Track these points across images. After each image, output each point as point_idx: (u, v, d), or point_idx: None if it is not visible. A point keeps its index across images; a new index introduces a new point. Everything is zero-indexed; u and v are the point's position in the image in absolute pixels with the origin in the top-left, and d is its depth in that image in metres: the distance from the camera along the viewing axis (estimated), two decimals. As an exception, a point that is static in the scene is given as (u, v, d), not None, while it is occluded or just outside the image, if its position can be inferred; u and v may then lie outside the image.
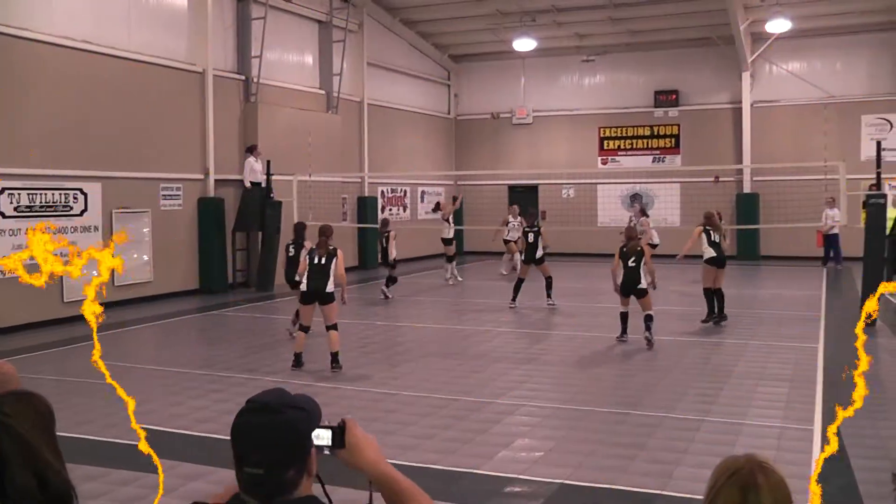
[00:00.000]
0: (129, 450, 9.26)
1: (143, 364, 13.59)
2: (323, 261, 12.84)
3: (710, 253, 16.51)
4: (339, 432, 2.46)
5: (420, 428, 9.62)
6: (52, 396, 9.16)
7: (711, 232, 16.59)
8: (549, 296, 19.41)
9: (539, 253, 19.40)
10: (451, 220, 24.53)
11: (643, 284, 14.60)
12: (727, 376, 12.20)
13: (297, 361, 12.99)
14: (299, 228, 16.22)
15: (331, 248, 12.96)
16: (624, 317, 15.00)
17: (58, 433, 2.51)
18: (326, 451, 2.44)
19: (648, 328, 14.33)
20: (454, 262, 24.79)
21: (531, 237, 19.55)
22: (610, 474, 7.94)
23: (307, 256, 13.16)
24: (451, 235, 24.41)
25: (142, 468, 8.42)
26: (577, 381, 12.14)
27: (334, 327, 12.87)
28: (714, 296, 16.59)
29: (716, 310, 16.63)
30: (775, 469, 2.29)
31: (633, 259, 14.51)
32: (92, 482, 8.04)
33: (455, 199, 27.43)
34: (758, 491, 2.21)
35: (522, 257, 20.29)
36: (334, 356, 12.81)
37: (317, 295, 12.88)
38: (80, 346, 16.68)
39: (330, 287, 12.82)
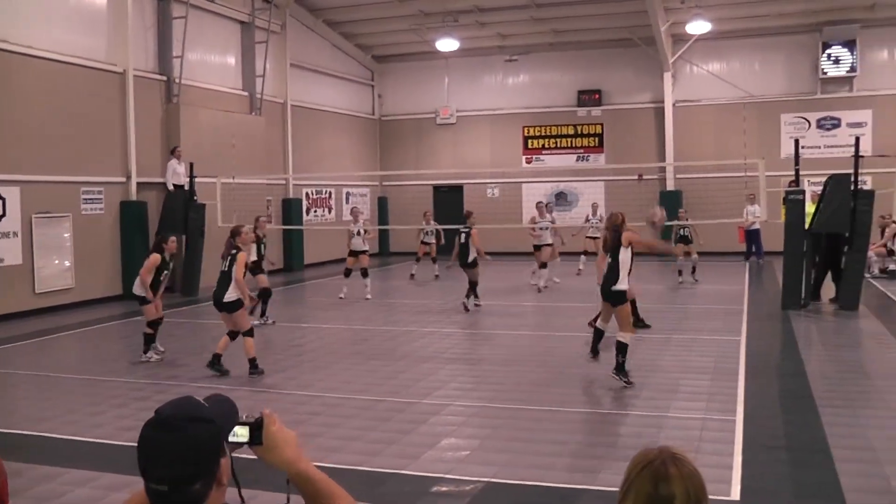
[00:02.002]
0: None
1: (64, 373, 13.25)
2: (227, 266, 12.50)
3: None
4: (256, 428, 2.40)
5: (345, 430, 9.57)
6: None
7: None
8: (467, 296, 18.79)
9: (471, 257, 18.80)
10: (363, 230, 21.58)
11: (621, 286, 11.32)
12: (651, 370, 12.32)
13: (214, 363, 12.57)
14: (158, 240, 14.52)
15: (233, 251, 12.58)
16: (597, 335, 12.02)
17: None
18: (244, 447, 2.40)
19: (620, 368, 11.18)
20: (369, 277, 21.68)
21: (462, 237, 19.00)
22: (536, 471, 7.97)
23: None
24: (366, 248, 21.58)
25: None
26: (503, 380, 12.15)
27: (248, 333, 12.48)
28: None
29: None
30: (688, 460, 2.31)
31: (611, 253, 11.45)
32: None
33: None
34: (669, 482, 2.23)
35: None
36: (251, 362, 12.49)
37: (216, 304, 12.56)
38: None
39: (230, 295, 12.41)
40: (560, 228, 23.52)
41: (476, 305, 18.86)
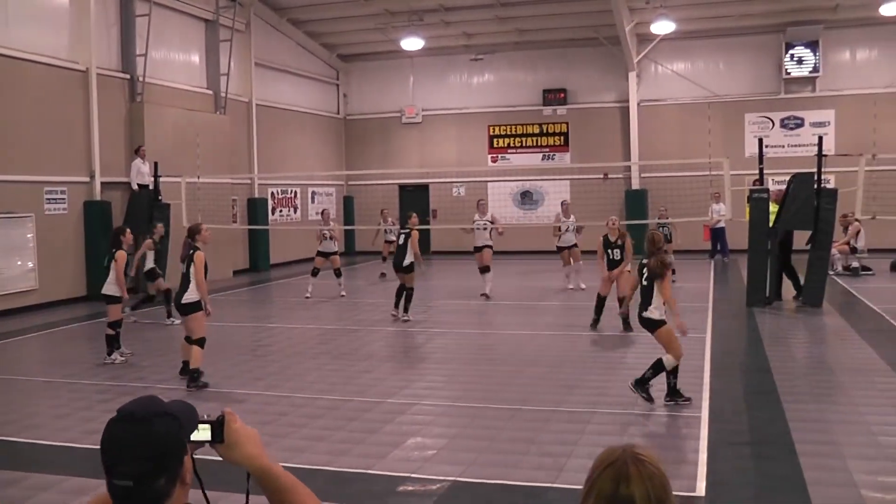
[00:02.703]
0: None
1: (28, 376, 13.14)
2: (185, 268, 11.97)
3: None
4: (217, 426, 2.39)
5: (311, 430, 9.54)
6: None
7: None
8: (405, 309, 17.43)
9: (407, 260, 17.45)
10: (333, 234, 22.06)
11: (651, 314, 10.42)
12: (617, 368, 12.38)
13: (185, 370, 12.16)
14: (114, 234, 14.31)
15: (191, 251, 12.00)
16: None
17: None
18: (206, 445, 2.39)
19: (641, 382, 10.33)
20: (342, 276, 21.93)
21: (401, 239, 17.76)
22: (502, 470, 7.98)
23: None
24: (335, 249, 22.05)
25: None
26: (469, 379, 12.17)
27: (198, 343, 11.74)
28: None
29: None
30: (651, 460, 2.28)
31: (647, 278, 10.50)
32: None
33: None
34: (629, 482, 2.22)
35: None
36: (192, 371, 11.73)
37: (177, 307, 12.09)
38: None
39: (187, 297, 11.79)
40: (503, 227, 22.06)
41: (405, 320, 17.34)
